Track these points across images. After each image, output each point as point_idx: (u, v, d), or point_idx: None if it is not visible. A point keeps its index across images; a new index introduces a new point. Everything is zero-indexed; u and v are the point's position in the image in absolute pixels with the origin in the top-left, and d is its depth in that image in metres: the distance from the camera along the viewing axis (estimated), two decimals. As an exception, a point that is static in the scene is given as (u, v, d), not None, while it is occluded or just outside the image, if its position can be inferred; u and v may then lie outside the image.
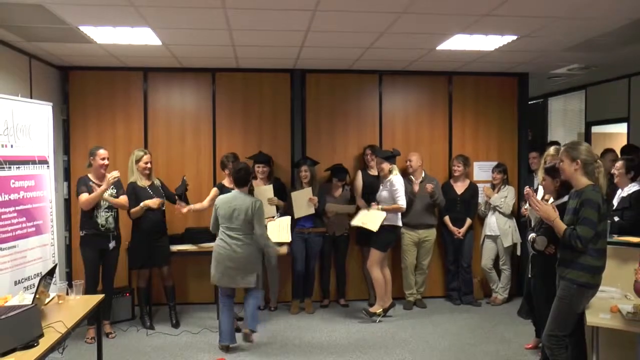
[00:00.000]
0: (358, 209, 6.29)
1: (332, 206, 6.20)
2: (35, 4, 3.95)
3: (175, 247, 5.92)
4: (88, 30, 4.69)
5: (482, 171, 6.89)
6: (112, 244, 5.31)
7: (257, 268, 5.03)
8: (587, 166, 3.62)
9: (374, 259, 5.84)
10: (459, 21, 4.48)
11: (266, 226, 5.69)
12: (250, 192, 5.37)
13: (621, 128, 7.57)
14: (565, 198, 3.93)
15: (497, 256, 6.57)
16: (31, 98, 5.40)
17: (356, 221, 5.86)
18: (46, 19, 4.31)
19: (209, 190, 5.89)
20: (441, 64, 6.33)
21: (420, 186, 6.27)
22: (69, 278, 6.13)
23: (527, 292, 4.89)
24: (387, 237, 5.81)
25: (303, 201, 6.03)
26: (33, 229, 4.90)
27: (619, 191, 4.97)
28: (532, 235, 4.25)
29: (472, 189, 6.59)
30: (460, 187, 6.56)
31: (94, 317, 4.50)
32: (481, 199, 6.67)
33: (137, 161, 5.50)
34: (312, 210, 6.05)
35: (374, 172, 6.37)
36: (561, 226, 3.60)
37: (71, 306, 3.86)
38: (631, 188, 4.84)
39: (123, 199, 5.35)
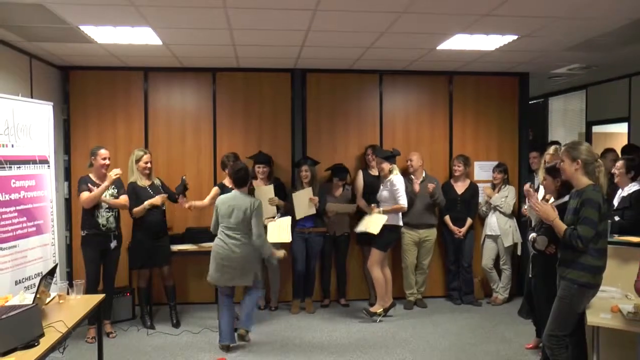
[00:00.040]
0: (359, 208, 6.31)
1: (332, 206, 6.20)
2: (36, 4, 3.95)
3: (175, 247, 5.93)
4: (88, 29, 4.69)
5: (482, 171, 6.89)
6: (113, 244, 5.32)
7: (255, 268, 5.03)
8: (587, 166, 3.62)
9: (375, 259, 5.84)
10: (459, 21, 4.48)
11: (266, 226, 5.72)
12: (251, 192, 5.37)
13: (622, 128, 7.57)
14: (566, 198, 3.93)
15: (498, 256, 6.57)
16: (32, 98, 5.40)
17: (360, 227, 5.84)
18: (47, 18, 4.31)
19: (209, 190, 5.89)
20: (442, 64, 6.33)
21: (421, 186, 6.27)
22: (70, 278, 6.14)
23: (527, 291, 4.89)
24: (388, 236, 5.81)
25: (304, 202, 6.03)
26: (34, 228, 4.91)
27: (620, 191, 4.97)
28: (532, 235, 4.25)
29: (473, 189, 6.59)
30: (460, 187, 6.56)
31: (95, 317, 4.50)
32: (481, 198, 6.67)
33: (137, 161, 5.50)
34: (313, 211, 6.05)
35: (374, 172, 6.37)
36: (561, 226, 3.60)
37: (72, 306, 3.86)
38: (631, 188, 4.84)
39: (123, 199, 5.35)
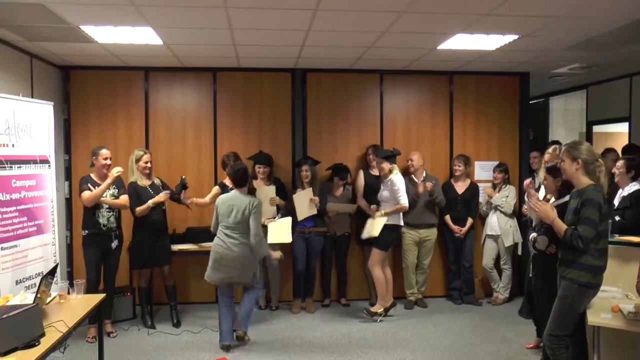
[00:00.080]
0: (359, 208, 6.31)
1: (332, 206, 6.20)
2: (37, 4, 3.95)
3: (176, 247, 5.94)
4: (89, 29, 4.69)
5: (483, 171, 6.89)
6: (114, 244, 5.32)
7: (253, 267, 5.05)
8: (588, 166, 3.61)
9: (375, 259, 5.84)
10: (460, 20, 4.48)
11: (266, 226, 5.73)
12: (251, 191, 5.36)
13: (622, 127, 7.56)
14: (567, 198, 3.93)
15: (498, 256, 6.57)
16: (32, 97, 5.41)
17: (365, 234, 5.83)
18: (47, 18, 4.31)
19: (209, 190, 5.89)
20: (442, 64, 6.33)
21: (422, 186, 6.27)
22: (70, 277, 6.14)
23: (528, 291, 4.89)
24: (389, 236, 5.81)
25: (305, 202, 6.02)
26: (34, 228, 4.91)
27: (620, 191, 4.96)
28: (533, 234, 4.25)
29: (473, 189, 6.59)
30: (461, 187, 6.56)
31: (95, 317, 4.50)
32: (482, 198, 6.67)
33: (137, 161, 5.50)
34: (314, 211, 6.05)
35: (375, 172, 6.36)
36: (561, 226, 3.60)
37: (72, 305, 3.86)
38: (632, 187, 4.84)
39: (123, 199, 5.35)
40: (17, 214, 4.67)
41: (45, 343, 3.08)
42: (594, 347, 3.73)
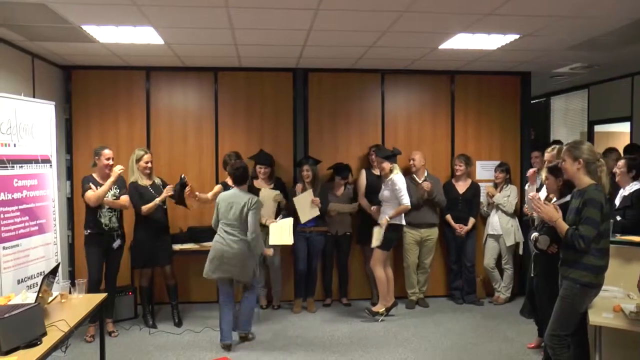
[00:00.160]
0: (360, 207, 6.31)
1: (334, 205, 6.21)
2: (38, 3, 3.95)
3: (177, 246, 5.95)
4: (91, 29, 4.70)
5: (484, 170, 6.88)
6: (116, 243, 5.33)
7: (253, 265, 5.06)
8: (589, 165, 3.61)
9: (377, 258, 5.84)
10: (461, 20, 4.48)
11: (266, 226, 5.73)
12: (252, 190, 5.36)
13: (624, 127, 7.55)
14: (568, 197, 3.93)
15: (500, 255, 6.57)
16: (34, 97, 5.42)
17: (375, 243, 5.77)
18: (49, 18, 4.32)
19: (210, 190, 5.88)
20: (443, 63, 6.33)
21: (421, 186, 6.27)
22: (72, 277, 6.14)
23: (529, 291, 4.88)
24: (391, 236, 5.80)
25: (306, 204, 6.01)
26: (36, 227, 4.92)
27: (621, 190, 4.96)
28: (534, 234, 4.25)
29: (474, 188, 6.59)
30: (462, 187, 6.56)
31: (95, 316, 4.51)
32: (483, 198, 6.66)
33: (138, 160, 5.50)
34: (316, 212, 6.03)
35: (377, 171, 6.36)
36: (563, 226, 3.59)
37: (74, 305, 3.87)
38: (633, 187, 4.83)
39: (124, 199, 5.35)
40: (18, 213, 4.68)
41: (47, 342, 3.09)
42: (596, 347, 3.73)
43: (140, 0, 3.93)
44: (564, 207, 3.81)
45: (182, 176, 5.51)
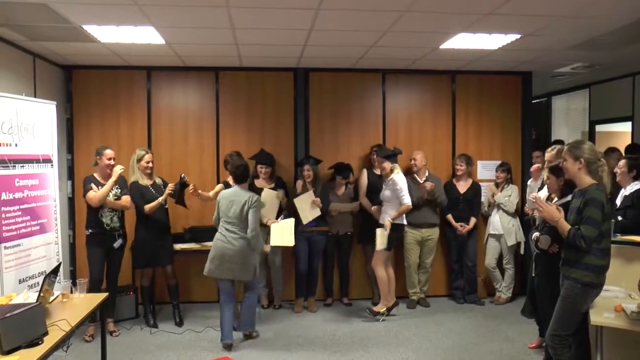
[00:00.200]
0: (361, 207, 6.31)
1: (335, 205, 6.21)
2: (39, 3, 3.96)
3: (178, 246, 5.96)
4: (92, 29, 4.70)
5: (485, 170, 6.88)
6: (117, 243, 5.33)
7: (254, 262, 5.08)
8: (590, 165, 3.61)
9: (378, 258, 5.83)
10: (462, 20, 4.47)
11: (267, 226, 5.73)
12: (253, 190, 5.36)
13: (625, 127, 7.55)
14: (569, 197, 3.92)
15: (501, 255, 6.56)
16: (35, 97, 5.42)
17: (380, 246, 5.76)
18: (50, 18, 4.32)
19: (211, 190, 5.88)
20: (444, 63, 6.33)
21: (422, 186, 6.27)
22: (73, 276, 6.15)
23: (530, 291, 4.88)
24: (392, 235, 5.79)
25: (307, 205, 6.01)
26: (37, 227, 4.92)
27: (622, 190, 4.95)
28: (535, 234, 4.25)
29: (475, 188, 6.59)
30: (463, 187, 6.56)
31: (95, 315, 4.51)
32: (484, 198, 6.66)
33: (139, 160, 5.50)
34: (318, 213, 6.03)
35: (379, 171, 6.35)
36: (565, 226, 3.59)
37: (75, 304, 3.87)
38: (634, 187, 4.83)
39: (125, 199, 5.36)
40: (20, 213, 4.69)
41: (49, 342, 3.09)
42: (597, 347, 3.72)
43: (141, 0, 3.93)
44: (565, 207, 3.81)
45: (182, 176, 5.50)
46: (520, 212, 6.55)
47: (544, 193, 4.65)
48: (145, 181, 5.51)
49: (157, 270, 5.80)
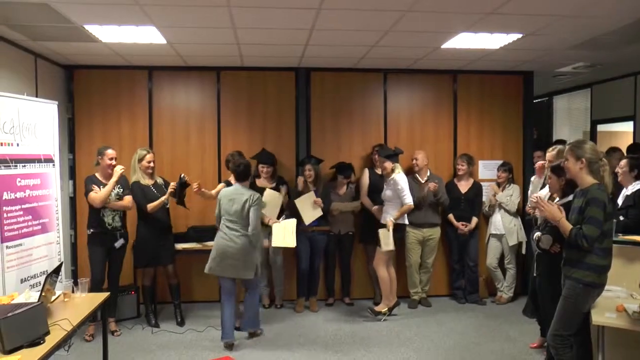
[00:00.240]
0: (363, 206, 6.31)
1: (336, 205, 6.21)
2: (41, 3, 3.96)
3: (179, 246, 5.96)
4: (93, 29, 4.70)
5: (487, 170, 6.87)
6: (119, 243, 5.34)
7: (255, 260, 5.09)
8: (592, 165, 3.60)
9: (380, 258, 5.83)
10: (463, 19, 4.47)
11: (268, 225, 5.73)
12: (254, 189, 5.36)
13: (627, 126, 7.54)
14: (570, 197, 3.92)
15: (502, 255, 6.56)
16: (37, 97, 5.42)
17: (385, 247, 5.74)
18: (51, 17, 4.33)
19: (213, 189, 5.89)
20: (446, 63, 6.32)
21: (424, 185, 6.27)
22: (75, 276, 6.16)
23: (532, 290, 4.88)
24: (394, 235, 5.78)
25: (308, 206, 6.00)
26: (39, 227, 4.93)
27: (624, 190, 4.95)
28: (537, 234, 4.25)
29: (476, 188, 6.59)
30: (464, 186, 6.55)
31: (95, 315, 4.51)
32: (485, 198, 6.66)
33: (140, 160, 5.51)
34: (319, 213, 6.02)
35: (380, 171, 6.35)
36: (567, 226, 3.59)
37: (77, 304, 3.88)
38: (635, 186, 4.82)
39: (127, 199, 5.36)
40: (21, 212, 4.69)
41: (50, 341, 3.10)
42: (599, 347, 3.72)
43: (142, 0, 3.93)
44: (566, 207, 3.80)
45: (182, 175, 5.48)
46: (521, 212, 6.55)
47: (545, 192, 4.65)
48: (146, 181, 5.52)
49: (158, 269, 5.80)
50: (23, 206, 4.72)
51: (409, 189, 5.75)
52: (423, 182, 6.31)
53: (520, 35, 4.99)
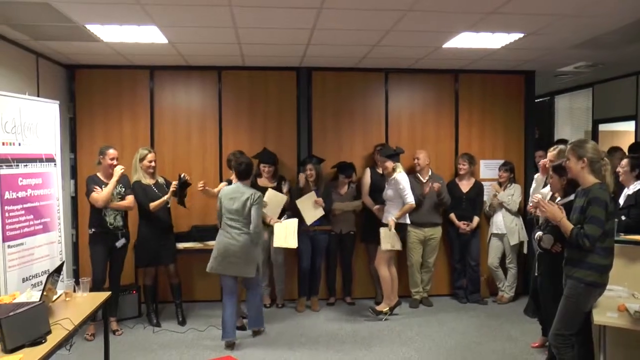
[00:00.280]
0: (364, 206, 6.32)
1: (338, 205, 6.21)
2: (42, 2, 3.96)
3: (181, 245, 5.96)
4: (94, 28, 4.71)
5: (488, 169, 6.87)
6: (120, 242, 5.34)
7: (256, 258, 5.10)
8: (593, 164, 3.60)
9: (381, 257, 5.83)
10: (464, 19, 4.47)
11: (269, 224, 5.73)
12: (255, 188, 5.37)
13: (629, 126, 7.53)
14: (572, 197, 3.92)
15: (504, 254, 6.56)
16: (38, 96, 5.43)
17: (386, 246, 5.76)
18: (53, 17, 4.33)
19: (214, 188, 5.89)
20: (447, 62, 6.32)
21: (427, 184, 6.27)
22: (76, 275, 6.17)
23: (533, 290, 4.88)
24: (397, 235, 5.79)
25: (309, 206, 6.00)
26: (40, 226, 4.93)
27: (625, 189, 4.94)
28: (538, 233, 4.24)
29: (478, 187, 6.59)
30: (465, 186, 6.55)
31: (96, 314, 4.51)
32: (486, 197, 6.65)
33: (142, 159, 5.52)
34: (321, 212, 6.02)
35: (382, 170, 6.35)
36: (568, 226, 3.59)
37: (78, 303, 3.88)
38: (637, 186, 4.82)
39: (129, 199, 5.37)
40: (23, 212, 4.70)
41: (52, 340, 3.10)
42: (600, 347, 3.72)
43: (143, 0, 3.93)
44: (568, 206, 3.80)
45: (182, 175, 5.47)
46: (523, 212, 6.54)
47: (547, 190, 4.65)
48: (147, 180, 5.52)
49: (159, 269, 5.81)
50: (25, 205, 4.72)
51: (410, 188, 5.75)
52: (424, 181, 6.31)
53: (521, 35, 4.98)
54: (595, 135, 8.12)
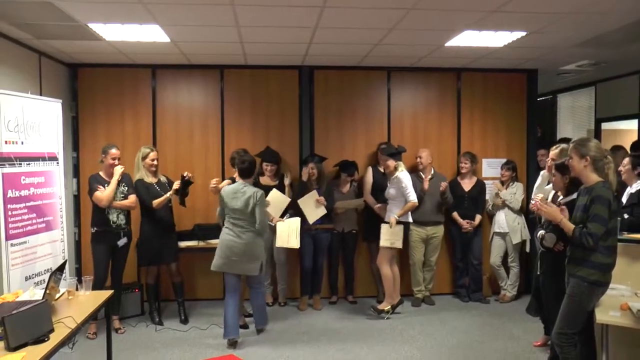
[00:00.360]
0: (366, 204, 6.32)
1: (340, 203, 6.21)
2: (45, 1, 3.97)
3: (183, 244, 5.97)
4: (97, 27, 4.71)
5: (490, 168, 6.87)
6: (122, 241, 5.35)
7: (260, 256, 5.11)
8: (596, 162, 3.59)
9: (383, 256, 5.84)
10: (467, 17, 4.46)
11: (273, 224, 5.74)
12: (258, 187, 5.37)
13: (631, 124, 7.52)
14: (575, 195, 3.91)
15: (506, 253, 6.55)
16: (41, 95, 5.44)
17: (386, 243, 5.77)
18: (55, 16, 4.34)
19: (216, 187, 5.91)
20: (450, 61, 6.31)
21: (430, 183, 6.27)
22: (79, 274, 6.17)
23: (535, 289, 4.87)
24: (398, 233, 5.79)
25: (311, 205, 6.00)
26: (43, 225, 4.95)
27: (628, 188, 4.93)
28: (541, 232, 4.24)
29: (480, 186, 6.58)
30: (467, 184, 6.55)
31: (98, 313, 4.53)
32: (488, 196, 6.65)
33: (144, 158, 5.52)
34: (323, 211, 6.02)
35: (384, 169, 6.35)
36: (569, 226, 3.58)
37: (81, 302, 3.89)
38: (639, 184, 4.81)
39: (131, 199, 5.37)
40: (26, 210, 4.71)
41: (55, 339, 3.11)
42: (603, 345, 3.72)
43: (146, -2, 3.94)
44: (570, 205, 3.79)
45: (184, 174, 5.47)
46: (525, 210, 6.53)
47: (550, 189, 4.65)
48: (150, 179, 5.53)
49: (162, 267, 5.82)
50: (27, 204, 4.74)
51: (413, 187, 5.75)
52: (427, 180, 6.30)
53: (524, 33, 4.97)
54: (597, 133, 8.11)
